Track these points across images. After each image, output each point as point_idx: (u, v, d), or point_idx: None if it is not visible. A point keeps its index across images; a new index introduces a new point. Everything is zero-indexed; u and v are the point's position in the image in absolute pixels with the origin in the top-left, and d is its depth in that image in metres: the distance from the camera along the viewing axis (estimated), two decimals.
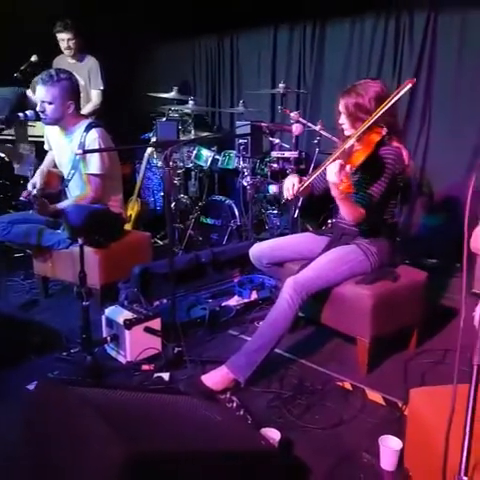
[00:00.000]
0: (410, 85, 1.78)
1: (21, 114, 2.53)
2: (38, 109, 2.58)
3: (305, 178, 2.13)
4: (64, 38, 3.73)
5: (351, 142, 1.88)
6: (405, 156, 2.03)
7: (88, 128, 2.67)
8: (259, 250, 2.35)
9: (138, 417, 1.34)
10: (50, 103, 2.56)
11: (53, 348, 2.22)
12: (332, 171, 1.78)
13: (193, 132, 3.77)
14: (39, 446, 1.30)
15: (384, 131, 1.91)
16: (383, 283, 2.08)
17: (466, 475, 0.94)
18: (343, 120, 2.07)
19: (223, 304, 2.64)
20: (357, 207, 1.96)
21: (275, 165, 3.21)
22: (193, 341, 2.30)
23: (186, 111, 3.86)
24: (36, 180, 2.83)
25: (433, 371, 2.07)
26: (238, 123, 3.19)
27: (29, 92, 3.65)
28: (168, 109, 3.85)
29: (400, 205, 2.92)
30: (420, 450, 1.37)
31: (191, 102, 3.54)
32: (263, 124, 3.04)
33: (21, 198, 2.58)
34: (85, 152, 2.51)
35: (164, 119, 3.79)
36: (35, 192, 2.59)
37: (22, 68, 3.66)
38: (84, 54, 3.90)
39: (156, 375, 2.00)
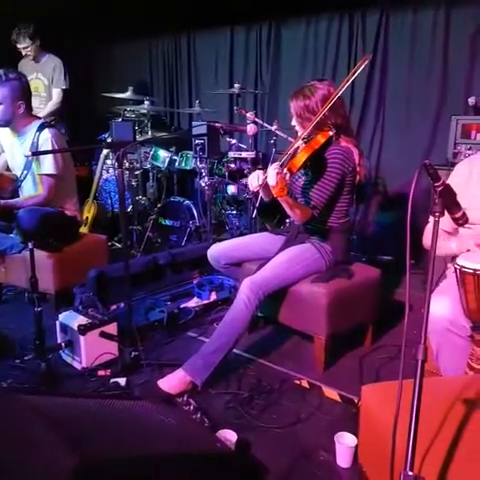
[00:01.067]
0: (367, 62, 1.83)
1: None
2: None
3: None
4: (20, 47, 3.71)
5: (298, 144, 1.91)
6: (355, 155, 2.07)
7: (41, 128, 2.60)
8: (217, 250, 2.34)
9: (90, 424, 1.30)
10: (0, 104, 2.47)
11: (6, 355, 2.15)
12: (270, 174, 1.80)
13: (150, 133, 3.72)
14: None
15: (332, 132, 1.94)
16: (338, 281, 2.11)
17: (411, 470, 0.97)
18: (294, 122, 2.09)
19: (182, 306, 2.62)
20: (301, 207, 1.99)
21: (232, 165, 3.22)
22: (151, 344, 2.27)
23: (143, 111, 3.80)
24: None
25: (387, 367, 2.13)
26: (194, 123, 3.17)
27: None
28: (123, 110, 3.78)
29: (355, 204, 2.98)
30: (372, 446, 1.40)
31: (147, 102, 3.50)
32: (218, 124, 3.04)
33: None
34: (34, 154, 2.43)
35: (120, 120, 3.72)
36: None
37: None
38: (45, 53, 3.79)
39: (112, 380, 1.96)
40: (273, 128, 2.90)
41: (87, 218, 3.56)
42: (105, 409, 1.42)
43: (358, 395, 1.86)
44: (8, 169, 2.84)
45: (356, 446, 1.55)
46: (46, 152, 2.51)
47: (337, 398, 1.93)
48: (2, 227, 2.66)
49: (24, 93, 2.56)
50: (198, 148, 3.06)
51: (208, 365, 1.91)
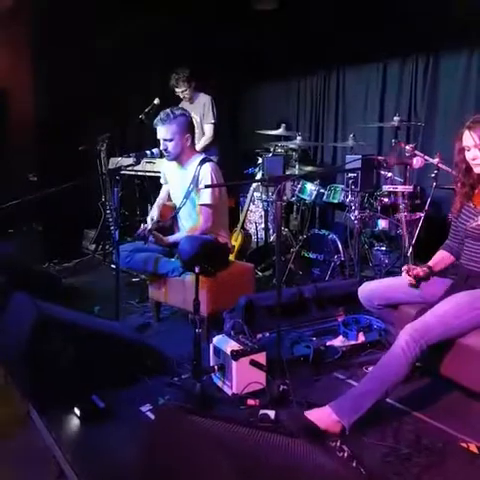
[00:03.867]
0: None
1: (148, 152, 2.74)
2: (161, 148, 2.79)
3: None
4: (178, 91, 4.10)
5: None
6: None
7: (202, 162, 2.82)
8: (370, 289, 2.24)
9: (254, 456, 1.30)
10: (171, 140, 2.75)
11: (164, 372, 2.30)
12: None
13: (297, 166, 3.79)
14: (158, 473, 1.32)
15: None
16: None
17: None
18: (476, 153, 1.92)
19: (328, 344, 2.54)
20: None
21: (386, 199, 3.09)
22: (297, 380, 2.23)
23: (291, 146, 3.91)
24: (154, 214, 3.02)
25: None
26: (349, 157, 3.14)
27: None
28: (275, 145, 3.92)
29: None
30: None
31: (299, 137, 3.58)
32: (380, 158, 2.96)
33: (138, 233, 2.77)
34: (208, 187, 2.65)
35: (270, 154, 3.87)
36: (149, 227, 2.77)
37: (146, 110, 3.99)
38: (197, 93, 4.17)
39: (262, 412, 1.96)
40: (435, 161, 2.73)
41: (233, 246, 3.73)
42: (265, 442, 1.42)
43: None
44: (169, 200, 3.13)
45: None
46: (217, 185, 2.71)
47: None
48: (165, 252, 2.91)
49: (190, 127, 2.83)
50: (350, 181, 3.02)
51: (356, 408, 1.81)
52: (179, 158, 2.87)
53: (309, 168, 3.91)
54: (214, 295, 2.74)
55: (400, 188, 2.87)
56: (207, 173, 2.78)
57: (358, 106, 4.62)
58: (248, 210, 3.91)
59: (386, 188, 3.03)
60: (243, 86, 5.53)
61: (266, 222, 4.03)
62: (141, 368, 2.26)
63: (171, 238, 2.87)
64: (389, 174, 3.06)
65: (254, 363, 2.13)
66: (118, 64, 4.73)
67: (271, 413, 1.96)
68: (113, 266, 4.26)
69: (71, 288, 3.63)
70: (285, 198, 3.68)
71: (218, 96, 4.28)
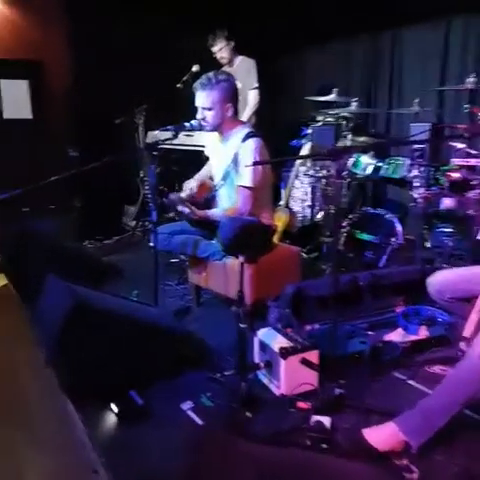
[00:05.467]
0: None
1: (187, 124, 2.51)
2: (199, 116, 2.54)
3: None
4: (216, 50, 3.82)
5: None
6: None
7: (245, 138, 2.55)
8: (442, 280, 1.96)
9: None
10: (210, 109, 2.50)
11: (206, 365, 2.14)
12: None
13: (350, 137, 3.44)
14: None
15: None
16: None
17: None
18: None
19: (386, 338, 2.29)
20: None
21: (457, 175, 2.69)
22: (351, 381, 2.00)
23: (343, 114, 3.55)
24: (193, 185, 2.81)
25: None
26: (415, 125, 2.76)
27: None
28: (325, 113, 3.58)
29: None
30: None
31: (355, 104, 3.21)
32: (460, 126, 2.56)
33: (169, 198, 2.56)
34: (256, 164, 2.39)
35: (319, 124, 3.54)
36: (183, 195, 2.56)
37: (184, 79, 3.76)
38: (238, 55, 3.87)
39: (315, 418, 1.75)
40: None
41: (276, 227, 3.48)
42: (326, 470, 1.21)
43: None
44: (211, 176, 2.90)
45: None
46: (263, 162, 2.47)
47: None
48: (205, 234, 2.71)
49: (233, 95, 2.55)
50: (416, 154, 2.66)
51: (429, 427, 1.56)
52: (219, 130, 2.61)
53: (362, 139, 3.53)
54: (257, 282, 2.53)
55: (473, 162, 2.50)
56: (249, 152, 2.50)
57: (415, 69, 4.16)
58: (293, 186, 3.61)
59: (457, 162, 2.65)
60: (285, 50, 5.12)
61: (313, 199, 3.74)
62: (182, 360, 2.10)
63: (207, 212, 2.65)
64: (460, 146, 2.68)
65: (305, 362, 1.92)
66: (155, 31, 4.48)
67: (326, 420, 1.75)
68: (152, 244, 4.19)
69: (109, 267, 3.52)
70: (334, 173, 3.37)
71: (261, 61, 3.96)
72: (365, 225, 3.18)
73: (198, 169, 3.01)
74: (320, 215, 3.75)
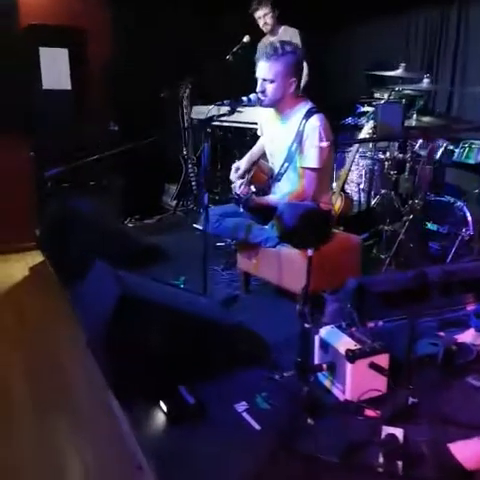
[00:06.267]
0: None
1: (245, 98, 2.32)
2: (258, 89, 2.33)
3: None
4: (260, 15, 3.60)
5: None
6: None
7: (308, 115, 2.33)
8: None
9: None
10: (272, 81, 2.29)
11: (261, 363, 1.98)
12: None
13: (415, 117, 3.15)
14: None
15: None
16: None
17: None
18: None
19: (458, 339, 2.07)
20: None
21: None
22: (422, 386, 1.80)
23: (407, 92, 3.25)
24: (241, 164, 2.62)
25: None
26: None
27: None
28: (391, 90, 3.27)
29: None
30: None
31: (426, 80, 2.90)
32: None
33: (238, 193, 2.39)
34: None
35: (382, 102, 3.25)
36: (253, 189, 2.38)
37: (234, 50, 3.55)
38: (280, 25, 3.63)
39: (386, 431, 1.57)
40: None
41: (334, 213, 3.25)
42: None
43: None
44: (264, 155, 2.69)
45: None
46: (353, 142, 2.35)
47: None
48: (257, 218, 2.53)
49: (298, 69, 2.34)
50: None
51: None
52: (278, 106, 2.40)
53: (426, 119, 3.24)
54: (315, 273, 2.32)
55: None
56: (314, 129, 2.29)
57: None
58: (350, 169, 3.36)
59: None
60: (334, 22, 4.77)
61: (370, 183, 3.48)
62: (236, 356, 1.95)
63: (268, 199, 2.47)
64: None
65: (374, 366, 1.73)
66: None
67: (398, 432, 1.57)
68: (196, 226, 4.05)
69: (152, 249, 3.40)
70: (400, 156, 3.09)
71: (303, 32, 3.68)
72: (431, 213, 2.92)
73: (243, 147, 2.81)
74: (376, 200, 3.50)
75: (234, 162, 2.66)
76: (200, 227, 3.99)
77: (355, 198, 3.56)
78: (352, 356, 1.70)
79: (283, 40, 2.39)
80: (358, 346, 1.75)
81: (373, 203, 3.45)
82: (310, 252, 1.66)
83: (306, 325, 1.65)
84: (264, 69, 2.28)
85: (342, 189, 3.29)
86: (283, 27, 3.67)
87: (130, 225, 4.20)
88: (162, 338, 1.82)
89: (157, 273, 2.96)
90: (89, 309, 2.01)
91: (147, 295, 1.91)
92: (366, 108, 3.98)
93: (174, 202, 4.56)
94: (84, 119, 4.01)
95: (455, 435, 1.56)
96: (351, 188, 3.65)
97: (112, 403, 1.83)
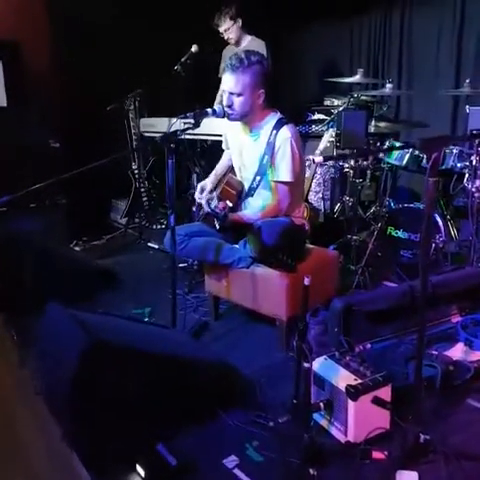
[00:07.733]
0: None
1: (209, 110, 2.11)
2: (225, 103, 2.16)
3: None
4: (221, 30, 3.47)
5: None
6: None
7: (278, 125, 2.16)
8: None
9: None
10: (239, 95, 2.11)
11: (244, 404, 1.75)
12: None
13: (373, 123, 3.08)
14: None
15: None
16: None
17: None
18: None
19: (452, 357, 1.95)
20: None
21: None
22: (428, 416, 1.65)
23: (363, 98, 3.18)
24: (206, 183, 2.41)
25: None
26: (472, 109, 2.42)
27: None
28: (350, 96, 3.18)
29: None
30: None
31: (389, 85, 2.82)
32: None
33: (213, 208, 2.17)
34: (327, 159, 2.03)
35: (341, 109, 3.16)
36: (230, 204, 2.18)
37: (182, 60, 3.36)
38: (247, 35, 3.50)
39: (402, 476, 1.40)
40: None
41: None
42: None
43: None
44: (232, 170, 2.49)
45: None
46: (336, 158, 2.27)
47: None
48: (228, 237, 2.31)
49: (266, 80, 2.16)
50: (476, 142, 2.32)
51: None
52: (246, 119, 2.22)
53: (383, 124, 3.18)
54: (295, 293, 2.15)
55: None
56: (286, 141, 2.13)
57: (427, 50, 3.86)
58: (312, 178, 3.22)
59: None
60: (281, 29, 4.70)
61: (332, 192, 3.38)
62: (218, 400, 1.71)
63: (241, 215, 2.26)
64: None
65: (377, 401, 1.56)
66: (149, 6, 3.98)
67: (413, 476, 1.41)
68: (151, 245, 3.76)
69: (107, 275, 3.07)
70: (365, 164, 3.00)
71: (273, 42, 3.56)
72: (398, 220, 2.84)
73: (203, 161, 2.60)
74: (337, 208, 3.40)
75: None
76: (155, 246, 3.74)
77: (318, 207, 3.43)
78: (354, 393, 1.52)
79: (248, 50, 2.21)
80: (358, 380, 1.57)
81: (335, 211, 3.36)
82: (307, 281, 1.46)
83: (305, 365, 1.45)
84: (230, 82, 2.10)
85: (306, 199, 3.14)
86: (249, 38, 3.54)
87: (77, 248, 3.82)
88: (135, 388, 1.56)
89: (115, 303, 2.68)
90: (44, 354, 1.70)
91: (115, 339, 1.63)
92: (317, 116, 3.92)
93: (124, 220, 4.24)
94: (21, 136, 3.61)
95: (473, 470, 1.43)
96: (311, 197, 3.52)
97: (77, 467, 1.54)
